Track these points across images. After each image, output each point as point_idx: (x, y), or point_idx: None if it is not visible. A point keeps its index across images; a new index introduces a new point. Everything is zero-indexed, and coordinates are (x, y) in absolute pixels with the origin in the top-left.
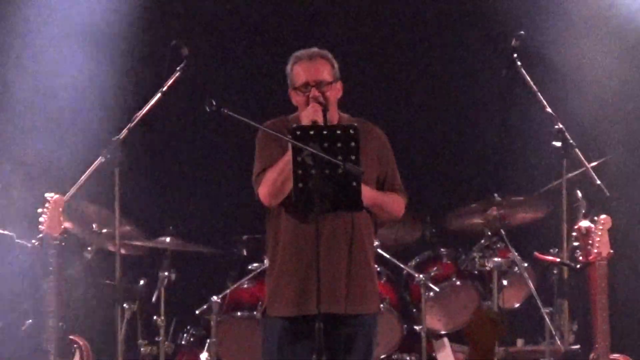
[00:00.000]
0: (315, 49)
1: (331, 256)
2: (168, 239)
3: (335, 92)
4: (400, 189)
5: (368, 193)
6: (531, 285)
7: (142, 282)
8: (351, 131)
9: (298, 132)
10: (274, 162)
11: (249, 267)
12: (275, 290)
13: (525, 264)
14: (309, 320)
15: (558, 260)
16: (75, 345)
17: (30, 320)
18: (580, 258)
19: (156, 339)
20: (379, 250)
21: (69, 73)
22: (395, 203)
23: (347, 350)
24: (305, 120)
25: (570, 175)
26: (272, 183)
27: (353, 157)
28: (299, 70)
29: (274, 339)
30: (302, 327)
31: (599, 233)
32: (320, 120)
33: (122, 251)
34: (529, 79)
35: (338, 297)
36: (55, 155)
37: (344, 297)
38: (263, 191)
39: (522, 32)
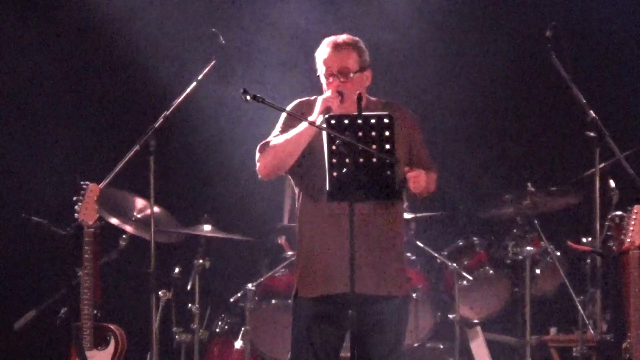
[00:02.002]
0: (344, 36)
1: (358, 238)
2: (203, 227)
3: (362, 81)
4: (431, 164)
5: (425, 183)
6: (564, 274)
7: (176, 270)
8: (385, 120)
9: (332, 121)
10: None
11: (284, 255)
12: (303, 273)
13: (558, 253)
14: (336, 300)
15: (591, 249)
16: (109, 333)
17: (65, 308)
18: (613, 247)
19: (191, 326)
20: (414, 239)
21: (103, 57)
22: (432, 182)
23: (378, 331)
24: (319, 104)
25: (603, 164)
26: (272, 153)
27: (388, 146)
28: (325, 58)
29: (303, 320)
30: (330, 308)
31: (632, 222)
32: (334, 109)
33: (157, 239)
34: (562, 69)
35: (366, 278)
36: (91, 143)
37: (372, 277)
38: (263, 160)
39: (556, 23)
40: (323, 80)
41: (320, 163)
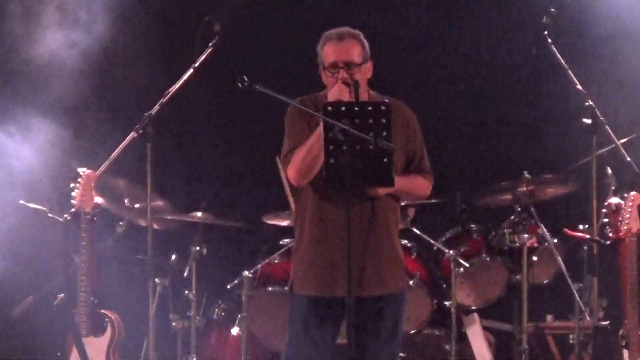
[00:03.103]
0: (346, 29)
1: (357, 238)
2: (200, 214)
3: (364, 73)
4: (427, 169)
5: (396, 181)
6: (560, 261)
7: (173, 256)
8: (382, 107)
9: (330, 108)
10: (302, 141)
11: (280, 242)
12: (300, 269)
13: (555, 240)
14: (334, 300)
15: (588, 236)
16: (106, 320)
17: (62, 295)
18: (610, 234)
19: (187, 313)
20: (410, 227)
21: (102, 47)
22: (420, 186)
23: (375, 328)
24: (330, 98)
25: (600, 152)
26: (300, 162)
27: (384, 134)
28: (328, 51)
29: (300, 317)
30: (328, 307)
31: (629, 209)
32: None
33: (154, 226)
34: (559, 56)
35: (365, 280)
36: (88, 131)
37: (371, 279)
38: (292, 171)
39: (553, 9)
40: (327, 75)
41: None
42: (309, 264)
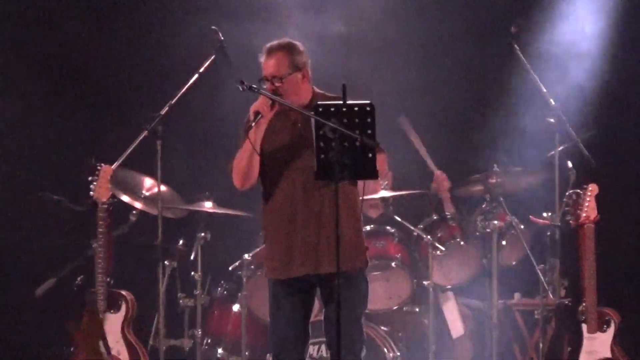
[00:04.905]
0: (276, 43)
1: (309, 220)
2: (205, 204)
3: (295, 80)
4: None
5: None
6: (526, 245)
7: (181, 242)
8: (367, 108)
9: (320, 109)
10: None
11: None
12: (266, 255)
13: (522, 226)
14: (295, 280)
15: (551, 222)
16: (121, 299)
17: (82, 276)
18: (571, 221)
19: (194, 292)
20: (392, 215)
21: (115, 54)
22: (383, 162)
23: (334, 305)
24: (251, 110)
25: (562, 147)
26: (234, 170)
27: (369, 131)
28: (262, 64)
29: (272, 299)
30: (291, 287)
31: (587, 199)
32: (265, 113)
33: (164, 214)
34: (527, 64)
35: (320, 259)
36: (105, 128)
37: (325, 258)
38: (233, 177)
39: (520, 19)
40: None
41: (282, 151)
42: (270, 249)
